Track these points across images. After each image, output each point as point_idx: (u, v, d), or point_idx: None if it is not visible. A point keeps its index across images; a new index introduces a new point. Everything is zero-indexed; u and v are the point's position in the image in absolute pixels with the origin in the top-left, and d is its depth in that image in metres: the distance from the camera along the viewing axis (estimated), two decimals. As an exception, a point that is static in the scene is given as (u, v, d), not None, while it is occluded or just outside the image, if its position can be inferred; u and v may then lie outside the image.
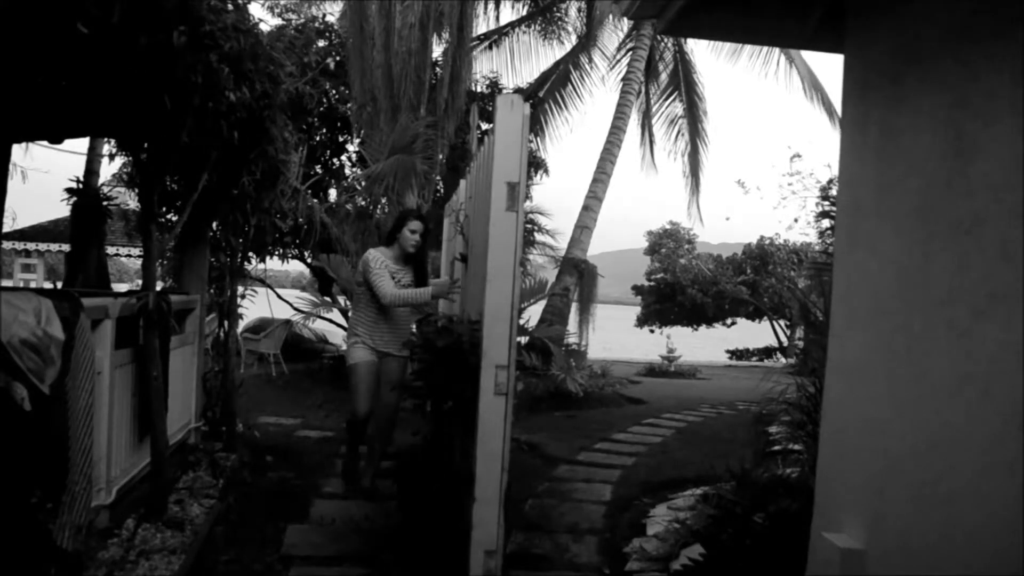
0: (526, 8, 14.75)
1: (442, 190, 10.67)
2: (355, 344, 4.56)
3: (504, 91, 12.40)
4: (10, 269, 13.10)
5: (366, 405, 4.51)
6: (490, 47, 14.46)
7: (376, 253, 4.55)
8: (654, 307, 23.69)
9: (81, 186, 6.72)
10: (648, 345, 22.14)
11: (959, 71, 1.97)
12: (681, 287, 22.45)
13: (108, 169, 11.01)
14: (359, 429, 4.63)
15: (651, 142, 16.29)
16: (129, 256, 12.99)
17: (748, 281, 21.58)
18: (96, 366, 3.26)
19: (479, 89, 12.27)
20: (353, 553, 3.67)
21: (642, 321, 24.38)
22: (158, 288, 4.05)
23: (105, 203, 6.39)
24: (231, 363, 5.43)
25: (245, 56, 3.57)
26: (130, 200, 8.47)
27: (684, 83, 15.46)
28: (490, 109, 10.24)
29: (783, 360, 19.14)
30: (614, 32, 15.06)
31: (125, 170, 9.66)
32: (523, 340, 9.31)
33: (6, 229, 10.68)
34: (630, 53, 14.31)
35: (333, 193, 11.47)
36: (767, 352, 22.25)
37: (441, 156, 9.59)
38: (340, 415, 7.39)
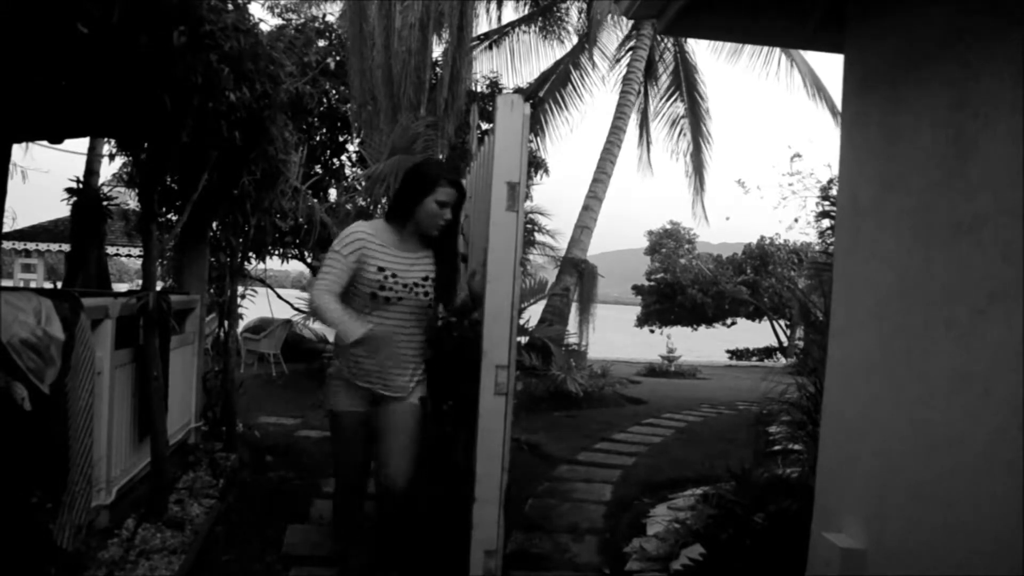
0: (527, 8, 14.76)
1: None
2: (332, 381, 2.95)
3: (504, 91, 12.39)
4: (10, 269, 13.11)
5: (355, 472, 3.02)
6: (490, 47, 14.47)
7: (357, 229, 2.81)
8: (654, 307, 23.67)
9: (81, 186, 6.72)
10: (648, 345, 22.12)
11: (959, 71, 1.97)
12: (681, 287, 22.43)
13: (108, 169, 10.99)
14: (349, 509, 3.07)
15: (650, 142, 16.30)
16: (129, 256, 12.98)
17: (748, 281, 21.57)
18: (96, 366, 3.27)
19: (479, 89, 12.27)
20: (353, 553, 3.66)
21: (642, 321, 24.36)
22: (158, 288, 4.06)
23: (105, 203, 6.40)
24: (231, 363, 5.43)
25: (245, 56, 3.57)
26: (130, 200, 8.47)
27: (685, 82, 15.45)
28: (490, 109, 10.23)
29: (783, 360, 19.12)
30: (614, 32, 15.08)
31: (125, 170, 9.65)
32: (523, 340, 9.31)
33: (6, 229, 10.68)
34: (630, 53, 14.32)
35: (333, 193, 11.47)
36: (767, 352, 22.23)
37: (441, 156, 9.59)
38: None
